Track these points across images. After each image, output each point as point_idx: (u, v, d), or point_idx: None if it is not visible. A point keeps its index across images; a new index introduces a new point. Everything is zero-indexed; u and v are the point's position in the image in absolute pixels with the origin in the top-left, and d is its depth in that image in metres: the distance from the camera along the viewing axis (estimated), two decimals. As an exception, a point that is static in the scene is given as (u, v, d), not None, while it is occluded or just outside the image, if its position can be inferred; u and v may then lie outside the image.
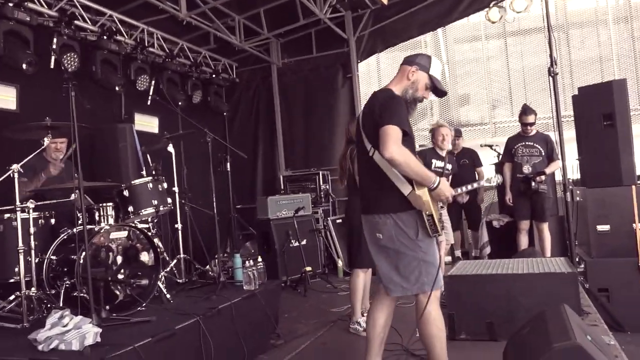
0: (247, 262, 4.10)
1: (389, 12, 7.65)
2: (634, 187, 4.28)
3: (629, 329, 3.92)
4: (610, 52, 8.75)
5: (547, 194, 5.69)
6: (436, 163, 4.99)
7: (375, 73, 9.63)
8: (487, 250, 6.15)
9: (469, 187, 4.88)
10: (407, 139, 2.58)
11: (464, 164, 6.41)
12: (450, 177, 5.10)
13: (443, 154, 5.03)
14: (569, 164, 5.61)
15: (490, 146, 6.61)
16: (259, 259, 4.17)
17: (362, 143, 2.74)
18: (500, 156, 6.18)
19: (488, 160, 6.78)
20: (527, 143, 5.78)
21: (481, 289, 3.59)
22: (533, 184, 5.57)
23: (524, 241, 5.77)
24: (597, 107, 4.57)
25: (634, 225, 4.24)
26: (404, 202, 2.58)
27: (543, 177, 5.58)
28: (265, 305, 3.88)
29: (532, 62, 9.30)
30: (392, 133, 2.49)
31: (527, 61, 9.39)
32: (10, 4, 4.50)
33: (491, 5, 6.89)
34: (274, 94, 8.22)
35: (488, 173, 6.25)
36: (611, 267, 4.24)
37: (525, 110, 5.79)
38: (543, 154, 5.70)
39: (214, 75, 7.46)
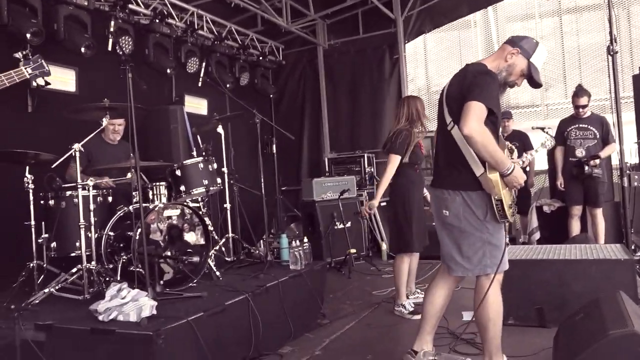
0: (293, 242, 4.18)
1: (438, -10, 7.47)
2: (697, 172, 4.07)
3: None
4: (676, 30, 8.24)
5: (601, 179, 5.47)
6: None
7: (422, 54, 9.45)
8: (537, 236, 5.99)
9: (528, 156, 4.78)
10: (493, 120, 2.50)
11: (514, 147, 6.23)
12: None
13: None
14: (626, 148, 5.37)
15: (542, 129, 6.36)
16: (305, 240, 4.23)
17: (442, 115, 2.65)
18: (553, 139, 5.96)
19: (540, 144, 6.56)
20: (580, 125, 5.55)
21: (531, 274, 3.52)
22: (587, 167, 5.37)
23: (576, 227, 5.58)
24: (661, 87, 4.35)
25: (696, 211, 4.04)
26: (476, 181, 2.51)
27: (597, 161, 5.36)
28: (311, 285, 3.94)
29: (588, 40, 8.88)
30: (477, 110, 2.37)
31: (582, 40, 8.97)
32: (69, -10, 4.67)
33: (548, -20, 6.58)
34: (320, 76, 8.21)
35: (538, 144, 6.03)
36: (671, 255, 4.06)
37: (578, 92, 5.56)
38: (598, 136, 5.47)
39: (261, 58, 7.52)
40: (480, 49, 9.38)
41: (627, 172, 5.18)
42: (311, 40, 8.06)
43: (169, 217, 3.68)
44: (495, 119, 2.52)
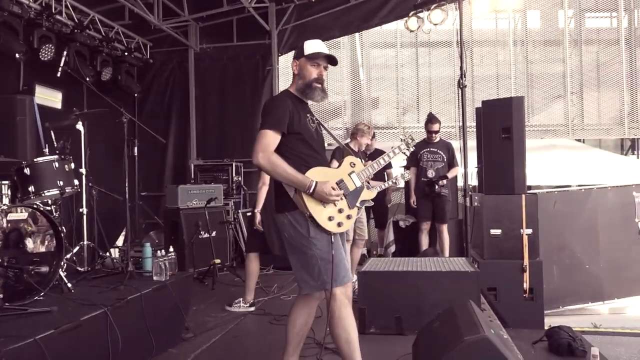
0: (158, 252, 3.95)
1: (312, 9, 7.73)
2: (523, 195, 4.72)
3: (512, 324, 4.29)
4: (507, 71, 9.57)
5: (447, 197, 6.10)
6: None
7: (292, 69, 9.67)
8: (392, 248, 6.45)
9: (383, 185, 5.12)
10: (293, 137, 2.61)
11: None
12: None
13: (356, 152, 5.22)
14: (469, 172, 6.07)
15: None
16: (171, 250, 4.03)
17: None
18: (406, 161, 6.48)
19: (397, 163, 7.10)
20: (431, 149, 6.16)
21: (392, 285, 3.77)
22: (436, 187, 5.95)
23: (425, 241, 6.14)
24: (498, 120, 4.96)
25: (521, 230, 4.68)
26: (286, 200, 2.62)
27: (444, 181, 5.98)
28: (176, 297, 3.75)
29: (438, 73, 9.89)
30: (261, 138, 2.53)
31: (434, 72, 9.97)
32: None
33: (410, 14, 7.22)
34: (190, 79, 7.95)
35: (397, 172, 6.54)
36: (500, 268, 4.63)
37: (431, 119, 6.17)
38: (445, 160, 6.11)
39: (126, 53, 7.04)
40: (346, 69, 9.92)
41: (470, 193, 5.86)
42: (182, 42, 7.78)
43: (15, 221, 3.23)
44: (296, 136, 2.62)
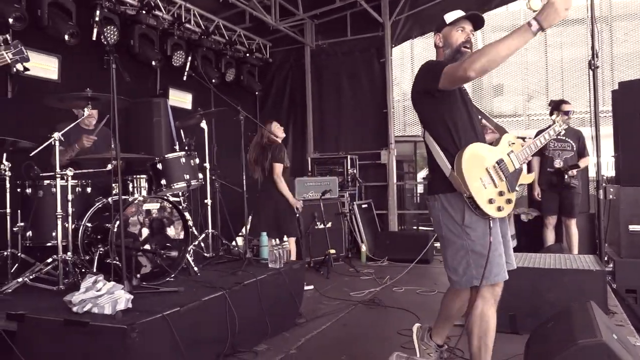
0: (273, 240, 4.18)
1: (427, -3, 7.53)
2: (669, 187, 4.19)
3: (655, 332, 3.84)
4: (654, 48, 8.47)
5: (577, 190, 5.59)
6: None
7: (408, 59, 9.53)
8: (514, 243, 6.09)
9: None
10: (460, 104, 2.47)
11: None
12: None
13: None
14: (603, 161, 5.50)
15: (523, 138, 6.48)
16: (285, 239, 4.24)
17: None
18: None
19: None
20: (559, 137, 5.65)
21: (506, 282, 3.56)
22: (566, 177, 5.48)
23: (550, 237, 5.69)
24: (638, 103, 4.46)
25: (667, 226, 4.16)
26: (449, 182, 2.39)
27: (575, 171, 5.48)
28: (289, 284, 3.94)
29: (571, 54, 9.07)
30: (452, 68, 2.29)
31: (566, 53, 9.16)
32: (55, -24, 4.60)
33: (533, -7, 6.68)
34: (307, 75, 8.21)
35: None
36: (641, 268, 4.17)
37: (563, 100, 5.70)
38: (575, 149, 5.59)
39: (247, 54, 7.49)
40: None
41: (603, 184, 5.31)
42: (299, 40, 8.06)
43: (149, 211, 3.65)
44: (464, 100, 2.50)
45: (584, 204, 5.99)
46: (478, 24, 2.55)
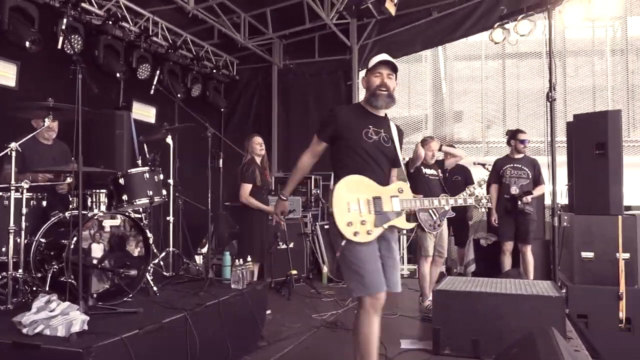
0: (237, 261, 4.09)
1: (394, 23, 7.71)
2: (620, 217, 4.37)
3: (605, 357, 3.96)
4: (604, 83, 8.93)
5: (532, 216, 5.75)
6: (426, 171, 5.08)
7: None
8: (472, 267, 6.21)
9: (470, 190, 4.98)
10: (340, 146, 2.78)
11: (456, 181, 6.46)
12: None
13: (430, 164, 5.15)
14: (558, 189, 5.71)
15: (483, 165, 6.68)
16: (249, 259, 4.16)
17: None
18: (488, 177, 6.22)
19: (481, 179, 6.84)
20: (515, 165, 5.85)
21: (469, 306, 3.62)
22: (519, 203, 5.63)
23: (507, 262, 5.83)
24: (591, 135, 4.66)
25: (617, 254, 4.33)
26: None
27: (529, 198, 5.65)
28: (252, 305, 3.86)
29: (527, 85, 9.44)
30: (312, 142, 2.89)
31: (522, 84, 9.53)
32: (18, -19, 4.45)
33: (496, 26, 6.97)
34: (273, 94, 8.22)
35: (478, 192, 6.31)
36: (592, 294, 4.31)
37: (520, 130, 5.91)
38: (530, 177, 5.78)
39: (214, 71, 7.44)
40: (429, 83, 9.76)
41: (558, 212, 5.50)
42: (266, 59, 8.07)
43: (108, 227, 3.51)
44: (346, 140, 2.76)
45: (539, 230, 6.18)
46: (394, 68, 2.82)
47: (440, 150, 5.34)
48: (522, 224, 5.71)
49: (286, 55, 8.29)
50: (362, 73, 7.87)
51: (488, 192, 5.94)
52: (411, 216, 2.90)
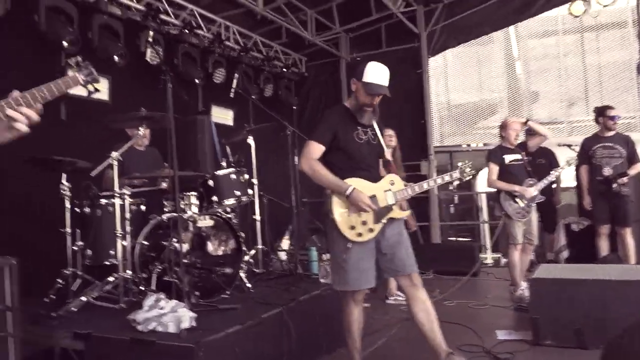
0: (323, 255, 4.15)
1: (462, 6, 7.47)
2: None
3: None
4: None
5: (629, 197, 5.37)
6: (509, 158, 4.90)
7: (442, 69, 9.45)
8: (565, 254, 5.92)
9: (545, 181, 4.79)
10: (335, 150, 2.84)
11: (540, 164, 6.15)
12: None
13: (513, 147, 4.95)
14: (656, 167, 5.29)
15: (569, 145, 6.32)
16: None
17: None
18: (577, 158, 5.85)
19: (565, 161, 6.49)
20: (606, 144, 5.47)
21: (569, 294, 3.45)
22: (614, 185, 5.28)
23: (604, 246, 5.49)
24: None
25: None
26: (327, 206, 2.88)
27: (625, 179, 5.28)
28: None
29: (609, 58, 8.84)
30: (306, 147, 2.86)
31: (604, 58, 8.94)
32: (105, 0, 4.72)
33: (575, -2, 6.57)
34: (342, 88, 8.22)
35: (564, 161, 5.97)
36: None
37: (608, 106, 5.53)
38: (624, 155, 5.39)
39: (284, 69, 7.55)
40: (501, 64, 9.38)
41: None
42: (334, 53, 8.08)
43: (202, 227, 3.67)
44: (341, 149, 2.84)
45: (638, 211, 5.77)
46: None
47: (525, 124, 5.10)
48: (618, 206, 5.35)
49: (353, 48, 8.25)
50: (432, 60, 7.84)
51: (577, 174, 5.63)
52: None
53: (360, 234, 2.80)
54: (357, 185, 2.80)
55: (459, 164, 3.19)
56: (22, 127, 1.41)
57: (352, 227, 2.79)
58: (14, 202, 3.88)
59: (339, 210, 2.80)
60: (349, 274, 2.82)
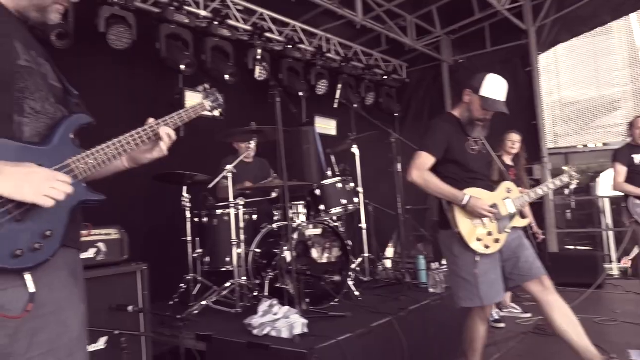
0: (432, 264, 4.05)
1: (574, -3, 6.95)
2: None
3: None
4: None
5: None
6: (639, 158, 4.47)
7: (553, 65, 8.85)
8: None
9: None
10: (449, 162, 2.74)
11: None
12: None
13: None
14: None
15: None
16: (444, 262, 4.08)
17: None
18: None
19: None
20: None
21: None
22: None
23: None
24: None
25: None
26: (445, 219, 2.77)
27: None
28: (453, 309, 3.77)
29: None
30: (416, 158, 2.75)
31: None
32: (215, 23, 5.04)
33: None
34: (445, 93, 8.02)
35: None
36: None
37: None
38: None
39: (385, 77, 7.52)
40: (622, 57, 8.56)
41: None
42: (435, 57, 7.91)
43: (311, 236, 3.75)
44: (454, 160, 2.75)
45: None
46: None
47: None
48: None
49: (455, 50, 8.02)
50: (543, 56, 7.37)
51: None
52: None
53: (487, 246, 2.71)
54: (475, 195, 2.71)
55: (565, 168, 3.07)
56: (164, 147, 1.55)
57: (479, 240, 2.71)
58: (145, 213, 4.26)
59: (463, 223, 2.71)
60: (479, 288, 2.69)
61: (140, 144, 1.48)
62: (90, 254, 2.68)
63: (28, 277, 1.17)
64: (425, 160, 2.73)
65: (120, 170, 1.58)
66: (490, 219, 2.71)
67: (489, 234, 2.72)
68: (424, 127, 8.25)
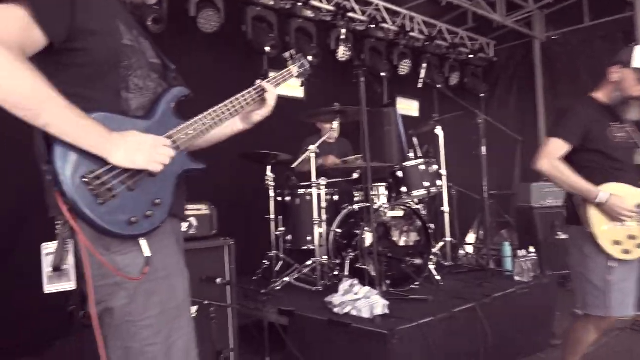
0: (519, 251, 3.89)
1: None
2: None
3: None
4: None
5: None
6: None
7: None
8: None
9: None
10: (588, 150, 2.46)
11: None
12: None
13: None
14: None
15: None
16: (532, 250, 3.90)
17: None
18: None
19: None
20: None
21: None
22: None
23: None
24: None
25: None
26: (574, 213, 2.50)
27: None
28: (540, 299, 3.61)
29: None
30: (547, 144, 2.49)
31: None
32: (299, 4, 5.07)
33: None
34: (536, 72, 7.55)
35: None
36: None
37: None
38: None
39: (471, 56, 7.22)
40: None
41: None
42: (526, 34, 7.45)
43: (392, 217, 3.73)
44: (591, 143, 2.45)
45: None
46: None
47: None
48: None
49: (549, 26, 7.50)
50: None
51: None
52: None
53: (627, 251, 2.39)
54: (619, 191, 2.40)
55: None
56: (268, 109, 1.66)
57: (617, 243, 2.39)
58: (231, 191, 4.43)
59: (598, 222, 2.40)
60: (611, 297, 2.40)
61: (245, 105, 1.59)
62: (183, 227, 2.83)
63: (143, 243, 1.26)
64: (558, 147, 2.45)
65: (234, 133, 1.72)
66: (636, 220, 2.40)
67: (631, 237, 2.39)
68: (512, 108, 7.92)
